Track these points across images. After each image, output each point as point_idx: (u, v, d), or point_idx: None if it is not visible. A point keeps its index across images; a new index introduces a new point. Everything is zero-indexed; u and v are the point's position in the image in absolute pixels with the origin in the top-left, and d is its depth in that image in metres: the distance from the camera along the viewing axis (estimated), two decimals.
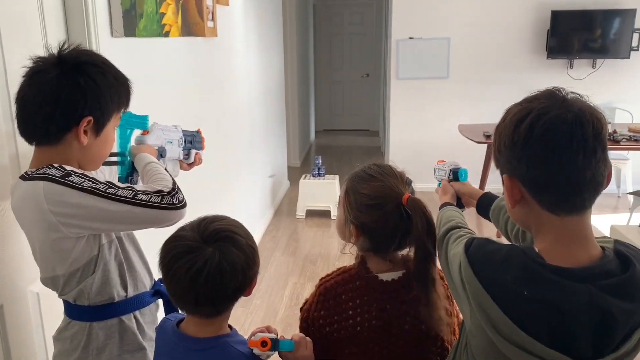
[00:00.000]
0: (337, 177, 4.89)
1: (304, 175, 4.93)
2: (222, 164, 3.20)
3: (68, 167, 1.11)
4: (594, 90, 5.14)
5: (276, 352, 1.14)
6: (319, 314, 1.22)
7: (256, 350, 1.10)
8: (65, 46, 1.16)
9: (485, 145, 4.85)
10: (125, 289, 1.25)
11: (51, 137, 1.13)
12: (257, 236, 4.20)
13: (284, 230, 4.51)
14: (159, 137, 1.44)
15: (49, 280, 1.20)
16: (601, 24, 5.00)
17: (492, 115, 5.25)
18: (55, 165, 1.11)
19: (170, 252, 1.03)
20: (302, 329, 1.26)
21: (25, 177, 1.12)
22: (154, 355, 1.21)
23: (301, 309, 1.29)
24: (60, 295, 1.23)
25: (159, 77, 2.15)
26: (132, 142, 1.41)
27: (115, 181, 1.22)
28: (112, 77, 1.18)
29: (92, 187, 1.09)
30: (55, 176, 1.08)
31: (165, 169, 1.29)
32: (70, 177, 1.09)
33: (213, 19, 2.84)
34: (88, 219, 1.10)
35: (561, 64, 5.20)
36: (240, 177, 3.67)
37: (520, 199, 0.87)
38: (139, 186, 1.16)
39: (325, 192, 4.75)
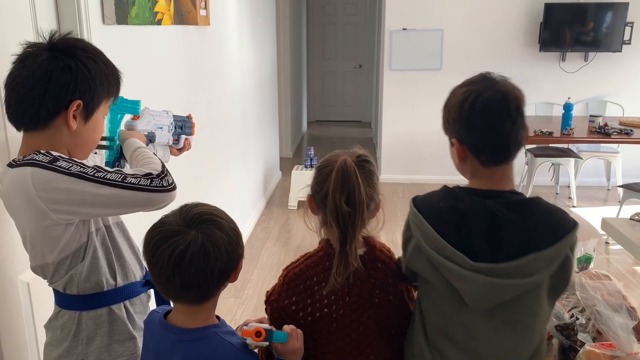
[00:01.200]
0: None
1: (296, 166, 4.92)
2: (214, 154, 3.19)
3: (55, 153, 1.11)
4: (585, 83, 5.21)
5: (267, 344, 1.14)
6: (290, 300, 1.23)
7: (249, 340, 1.10)
8: (57, 34, 1.15)
9: None
10: (114, 277, 1.24)
11: (40, 121, 1.12)
12: (248, 227, 4.19)
13: (275, 221, 4.51)
14: (149, 122, 1.43)
15: (38, 269, 1.20)
16: (594, 17, 5.01)
17: None
18: (42, 151, 1.10)
19: (153, 237, 1.03)
20: (273, 319, 1.26)
21: (12, 165, 1.11)
22: (142, 347, 1.21)
23: (266, 301, 1.30)
24: (50, 283, 1.22)
25: (151, 65, 2.13)
26: (122, 127, 1.40)
27: (104, 166, 1.21)
28: (102, 63, 1.18)
29: (80, 172, 1.08)
30: (43, 162, 1.07)
31: (155, 154, 1.28)
32: (58, 162, 1.08)
33: (206, 8, 2.82)
34: (77, 203, 1.09)
35: (553, 57, 5.22)
36: (232, 167, 3.65)
37: (464, 157, 1.16)
38: (128, 170, 1.16)
39: None
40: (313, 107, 9.46)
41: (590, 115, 4.40)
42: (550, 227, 1.10)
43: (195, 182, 2.79)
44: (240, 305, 3.08)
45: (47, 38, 1.13)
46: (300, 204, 4.78)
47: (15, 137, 1.38)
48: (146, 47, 2.09)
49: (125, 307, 1.27)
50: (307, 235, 4.15)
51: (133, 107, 1.39)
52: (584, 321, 1.50)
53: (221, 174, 3.37)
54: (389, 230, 3.92)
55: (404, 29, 5.29)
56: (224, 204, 3.47)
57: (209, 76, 3.02)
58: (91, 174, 1.09)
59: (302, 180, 4.75)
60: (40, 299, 1.48)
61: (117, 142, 1.36)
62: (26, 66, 1.10)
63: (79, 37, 1.21)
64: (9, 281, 1.37)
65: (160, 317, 1.12)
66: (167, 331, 1.09)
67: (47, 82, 1.09)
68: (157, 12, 2.09)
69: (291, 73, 6.81)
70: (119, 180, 1.11)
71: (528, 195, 4.70)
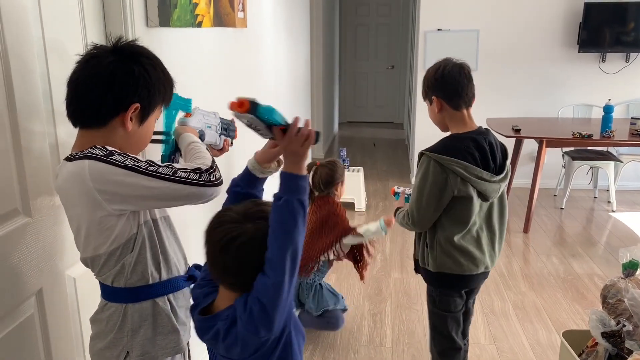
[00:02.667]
0: (361, 169, 4.87)
1: None
2: (250, 155, 3.21)
3: (110, 148, 1.16)
4: (626, 84, 5.07)
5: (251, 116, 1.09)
6: None
7: (235, 114, 1.10)
8: (123, 39, 1.22)
9: (514, 139, 4.79)
10: (158, 270, 1.28)
11: (99, 120, 1.18)
12: None
13: None
14: (200, 120, 1.50)
15: (89, 260, 1.24)
16: (635, 17, 4.87)
17: (520, 108, 5.22)
18: (98, 146, 1.16)
19: (215, 221, 1.10)
20: None
21: (70, 159, 1.16)
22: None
23: None
24: (97, 275, 1.27)
25: (190, 67, 2.17)
26: (176, 123, 1.47)
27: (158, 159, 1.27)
28: (161, 71, 1.25)
29: (134, 165, 1.14)
30: (99, 155, 1.13)
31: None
32: (113, 156, 1.14)
33: (243, 10, 2.85)
34: (130, 195, 1.14)
35: (593, 58, 5.09)
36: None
37: (441, 108, 1.84)
38: (178, 164, 1.21)
39: (350, 184, 4.73)
40: (345, 108, 9.46)
41: (632, 118, 4.27)
42: (502, 146, 1.91)
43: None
44: None
45: (113, 42, 1.20)
46: None
47: (65, 139, 1.43)
48: (186, 49, 2.12)
49: (169, 300, 1.31)
50: None
51: (186, 104, 1.46)
52: (631, 328, 1.47)
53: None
54: None
55: (438, 29, 5.24)
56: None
57: (246, 78, 3.06)
58: (144, 167, 1.14)
59: None
60: (85, 294, 1.52)
61: (172, 137, 1.43)
62: (91, 66, 1.16)
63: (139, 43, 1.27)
64: (58, 276, 1.42)
65: (197, 317, 1.17)
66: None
67: (111, 83, 1.15)
68: (197, 15, 2.12)
69: (324, 74, 6.83)
70: (170, 174, 1.16)
71: (565, 200, 4.64)
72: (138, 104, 1.19)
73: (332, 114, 8.14)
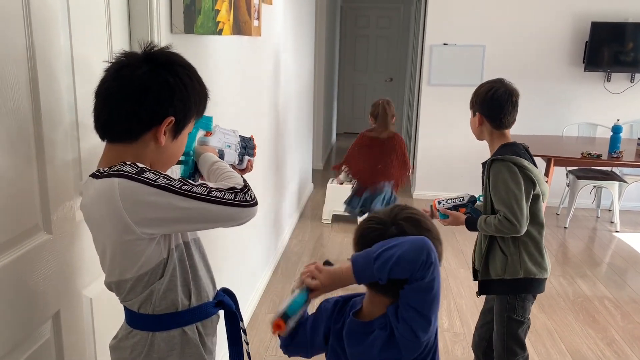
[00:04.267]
0: None
1: (331, 180, 4.85)
2: (257, 165, 3.14)
3: (141, 165, 1.07)
4: (631, 105, 5.06)
5: None
6: None
7: None
8: (154, 46, 1.11)
9: None
10: (188, 297, 1.19)
11: (131, 134, 1.08)
12: (284, 239, 4.13)
13: (310, 234, 4.44)
14: (220, 139, 1.41)
15: (113, 285, 1.15)
16: None
17: (525, 125, 5.20)
18: (128, 162, 1.06)
19: (364, 224, 1.19)
20: None
21: (97, 175, 1.06)
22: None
23: None
24: (123, 301, 1.17)
25: (209, 76, 2.09)
26: (196, 142, 1.37)
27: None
28: (197, 82, 1.14)
29: (167, 184, 1.04)
30: (130, 173, 1.03)
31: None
32: (145, 174, 1.04)
33: (259, 18, 2.78)
34: (162, 216, 1.05)
35: (598, 77, 5.09)
36: (272, 179, 3.60)
37: (482, 123, 2.02)
38: (212, 183, 1.11)
39: None
40: (343, 118, 9.41)
41: (638, 138, 4.26)
42: None
43: None
44: None
45: (144, 48, 1.09)
46: (334, 218, 4.71)
47: (87, 152, 1.34)
48: (207, 57, 2.04)
49: (197, 329, 1.22)
50: (342, 251, 4.07)
51: (206, 123, 1.35)
52: None
53: (263, 185, 3.32)
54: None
55: (444, 43, 5.21)
56: (262, 217, 3.40)
57: (258, 87, 2.98)
58: (178, 186, 1.04)
59: (337, 194, 4.68)
60: (102, 316, 1.43)
61: (192, 157, 1.33)
62: (122, 76, 1.06)
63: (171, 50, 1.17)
64: (75, 297, 1.32)
65: (352, 319, 1.21)
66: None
67: (144, 95, 1.05)
68: (218, 22, 2.05)
69: (325, 84, 6.77)
70: (205, 193, 1.06)
71: (569, 219, 4.66)
72: (173, 118, 1.09)
73: (331, 125, 8.09)
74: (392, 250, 1.04)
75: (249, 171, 1.57)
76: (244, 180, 1.16)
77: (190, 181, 1.08)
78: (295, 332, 1.25)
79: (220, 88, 2.26)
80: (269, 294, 3.34)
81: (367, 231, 1.16)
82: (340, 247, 4.16)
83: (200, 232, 1.27)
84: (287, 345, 1.28)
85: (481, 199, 2.06)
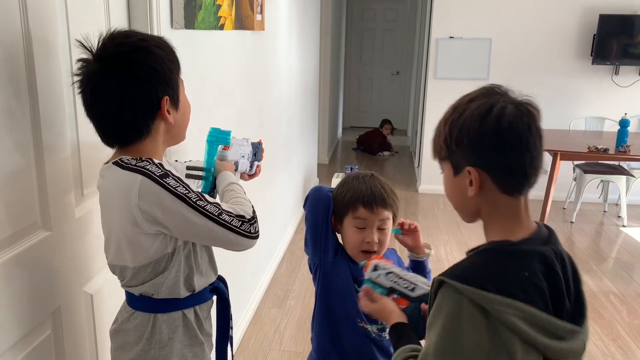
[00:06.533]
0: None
1: (336, 174, 4.85)
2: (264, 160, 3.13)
3: (166, 167, 1.11)
4: (638, 98, 4.99)
5: None
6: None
7: None
8: (103, 39, 1.08)
9: None
10: (191, 290, 1.23)
11: (142, 134, 1.13)
12: (288, 234, 4.13)
13: None
14: (236, 152, 1.43)
15: (117, 268, 1.19)
16: None
17: None
18: (156, 161, 1.10)
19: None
20: None
21: (122, 165, 1.09)
22: None
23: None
24: (125, 286, 1.21)
25: (211, 72, 2.08)
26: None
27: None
28: (157, 48, 1.11)
29: (184, 194, 1.08)
30: (154, 174, 1.07)
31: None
32: (167, 179, 1.08)
33: (261, 12, 2.77)
34: (171, 222, 1.09)
35: (606, 70, 5.03)
36: (276, 174, 3.60)
37: (481, 188, 0.93)
38: (225, 205, 1.15)
39: None
40: (348, 112, 9.38)
41: None
42: (570, 260, 0.97)
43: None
44: (284, 316, 3.01)
45: (91, 50, 1.06)
46: None
47: (85, 141, 1.34)
48: (208, 52, 2.04)
49: (195, 311, 1.26)
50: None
51: (226, 137, 1.37)
52: None
53: (268, 180, 3.32)
54: (432, 245, 3.82)
55: (451, 37, 5.17)
56: (267, 212, 3.40)
57: (261, 81, 2.97)
58: (194, 199, 1.09)
59: None
60: (102, 312, 1.43)
61: (213, 173, 1.35)
62: (100, 94, 1.07)
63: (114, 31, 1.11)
64: (75, 293, 1.33)
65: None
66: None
67: (132, 101, 1.08)
68: (220, 17, 2.04)
69: (330, 78, 6.75)
70: (216, 214, 1.11)
71: (575, 213, 4.37)
72: (167, 96, 1.12)
73: (337, 119, 8.07)
74: None
75: (257, 176, 1.60)
76: (253, 211, 1.20)
77: (207, 197, 1.12)
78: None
79: (223, 83, 2.25)
80: (273, 289, 3.35)
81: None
82: None
83: None
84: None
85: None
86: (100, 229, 1.19)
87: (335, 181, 4.70)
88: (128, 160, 1.09)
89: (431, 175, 5.53)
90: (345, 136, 8.80)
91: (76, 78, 1.09)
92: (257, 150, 1.54)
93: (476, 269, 0.90)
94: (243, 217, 1.15)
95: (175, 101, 1.16)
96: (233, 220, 1.12)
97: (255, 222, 1.17)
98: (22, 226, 1.13)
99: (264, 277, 3.32)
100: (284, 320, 2.97)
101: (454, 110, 0.98)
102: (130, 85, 1.07)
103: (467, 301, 0.84)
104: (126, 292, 1.22)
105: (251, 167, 1.53)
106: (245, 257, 2.84)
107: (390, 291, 1.14)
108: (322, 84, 6.30)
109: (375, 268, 1.16)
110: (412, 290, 1.13)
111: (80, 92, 1.10)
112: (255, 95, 2.86)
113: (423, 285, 1.13)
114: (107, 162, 1.16)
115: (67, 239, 1.27)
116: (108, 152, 1.20)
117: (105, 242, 1.19)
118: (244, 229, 1.14)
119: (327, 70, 6.46)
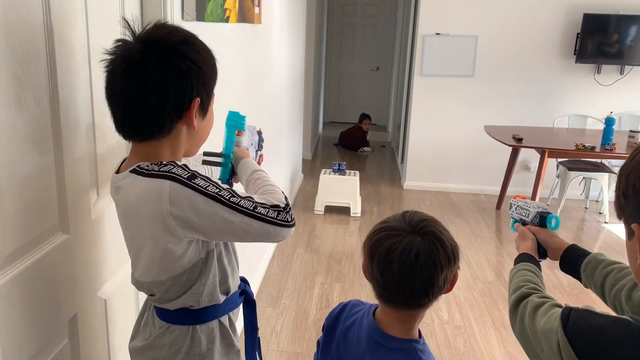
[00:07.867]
0: (357, 173, 4.77)
1: (324, 170, 4.80)
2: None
3: (192, 168, 1.03)
4: (620, 96, 5.10)
5: None
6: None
7: None
8: (147, 27, 1.02)
9: (510, 148, 4.77)
10: (226, 293, 1.18)
11: (163, 130, 1.04)
12: None
13: (303, 225, 4.39)
14: (249, 138, 1.37)
15: (148, 285, 1.10)
16: (630, 30, 4.90)
17: (516, 116, 5.21)
18: (179, 163, 1.03)
19: (382, 243, 1.03)
20: None
21: (144, 173, 1.00)
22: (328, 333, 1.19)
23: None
24: (159, 302, 1.13)
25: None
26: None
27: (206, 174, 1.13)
28: (204, 51, 1.07)
29: (216, 194, 1.00)
30: (182, 177, 0.99)
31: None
32: (196, 180, 1.00)
33: (259, 5, 2.70)
34: (207, 226, 1.01)
35: (588, 69, 5.11)
36: (270, 169, 3.53)
37: None
38: (256, 197, 1.08)
39: (346, 189, 4.63)
40: (328, 108, 9.35)
41: (630, 131, 4.30)
42: None
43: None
44: (279, 315, 2.96)
45: (135, 34, 1.01)
46: (327, 209, 4.67)
47: (101, 142, 1.27)
48: (215, 45, 1.97)
49: (229, 318, 1.21)
50: (337, 243, 4.04)
51: (240, 122, 1.31)
52: None
53: None
54: None
55: (437, 33, 5.17)
56: None
57: (259, 75, 2.91)
58: (227, 197, 1.01)
59: (330, 185, 4.64)
60: (115, 317, 1.37)
61: (231, 160, 1.29)
62: (133, 76, 0.98)
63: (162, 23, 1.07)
64: (91, 299, 1.26)
65: (369, 312, 1.12)
66: (370, 329, 1.09)
67: (164, 91, 0.99)
68: (226, 9, 1.98)
69: (314, 73, 6.69)
70: (251, 208, 1.03)
71: (559, 210, 4.29)
72: (199, 98, 1.05)
73: (318, 114, 8.02)
74: None
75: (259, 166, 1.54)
76: (286, 198, 1.13)
77: (238, 191, 1.06)
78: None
79: (227, 77, 2.19)
80: (266, 287, 3.29)
81: (383, 240, 1.03)
82: (334, 239, 4.12)
83: None
84: None
85: (553, 222, 1.32)
86: (114, 230, 1.12)
87: (324, 178, 4.66)
88: (149, 166, 1.01)
89: (416, 172, 5.54)
90: (326, 131, 8.76)
91: (107, 56, 1.00)
92: (260, 139, 1.50)
93: (601, 347, 0.76)
94: (278, 206, 1.08)
95: (205, 108, 1.09)
96: (269, 211, 1.05)
97: (290, 209, 1.10)
98: (42, 230, 1.06)
99: (256, 277, 3.27)
100: (280, 320, 2.92)
101: (630, 154, 0.75)
102: (168, 74, 0.99)
103: None
104: (156, 307, 1.15)
105: (255, 157, 1.48)
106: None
107: (516, 221, 1.37)
108: (306, 79, 6.24)
109: (511, 206, 1.40)
110: (527, 216, 1.34)
111: (107, 71, 1.01)
112: (254, 90, 2.80)
113: (535, 208, 1.32)
114: (119, 171, 1.08)
115: (84, 242, 1.20)
116: (121, 151, 1.12)
117: (133, 259, 1.10)
118: (281, 219, 1.07)
119: (310, 65, 6.41)
